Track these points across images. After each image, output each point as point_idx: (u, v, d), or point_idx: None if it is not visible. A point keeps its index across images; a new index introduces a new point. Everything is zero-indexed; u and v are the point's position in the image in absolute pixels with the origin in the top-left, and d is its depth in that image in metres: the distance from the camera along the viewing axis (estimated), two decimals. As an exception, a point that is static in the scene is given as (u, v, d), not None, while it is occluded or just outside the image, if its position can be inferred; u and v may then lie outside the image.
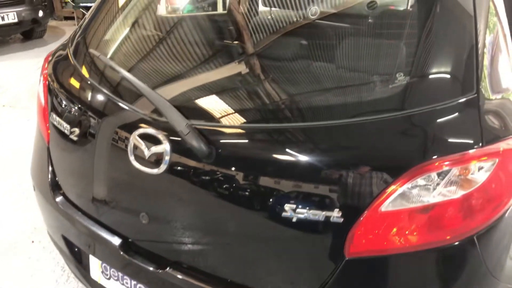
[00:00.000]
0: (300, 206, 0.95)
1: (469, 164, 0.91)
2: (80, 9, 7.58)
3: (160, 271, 1.16)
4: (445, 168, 0.90)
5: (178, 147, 1.06)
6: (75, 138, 1.28)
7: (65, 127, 1.31)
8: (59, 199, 1.40)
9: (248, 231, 1.04)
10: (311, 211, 0.94)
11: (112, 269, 1.33)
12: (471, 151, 0.91)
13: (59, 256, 2.05)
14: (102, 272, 1.38)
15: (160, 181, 1.10)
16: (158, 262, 1.18)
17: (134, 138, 1.11)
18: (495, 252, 1.03)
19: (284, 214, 0.96)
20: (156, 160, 1.08)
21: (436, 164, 0.90)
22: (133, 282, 1.29)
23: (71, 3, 7.56)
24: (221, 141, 1.04)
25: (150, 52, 1.38)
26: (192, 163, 1.05)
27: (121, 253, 1.22)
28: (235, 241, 1.07)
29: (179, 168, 1.07)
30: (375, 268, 0.97)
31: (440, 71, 1.00)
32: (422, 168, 0.90)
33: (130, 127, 1.13)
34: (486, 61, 1.04)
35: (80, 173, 1.32)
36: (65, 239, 1.45)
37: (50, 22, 7.14)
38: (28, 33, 6.48)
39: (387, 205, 0.91)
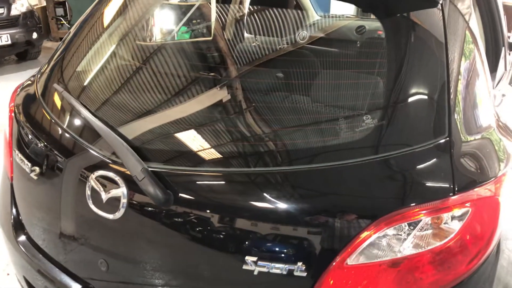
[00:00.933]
0: (262, 258, 0.88)
1: (440, 214, 0.85)
2: (76, 31, 7.61)
3: None
4: (416, 218, 0.84)
5: (136, 191, 1.00)
6: (35, 177, 1.22)
7: (26, 164, 1.25)
8: (21, 238, 1.33)
9: (207, 281, 0.97)
10: (273, 264, 0.88)
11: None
12: (442, 199, 0.85)
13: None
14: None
15: (117, 226, 1.04)
16: None
17: (92, 180, 1.05)
18: None
19: (244, 266, 0.90)
20: (113, 205, 1.02)
21: (406, 213, 0.84)
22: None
23: (67, 24, 7.61)
24: (181, 185, 0.98)
25: (115, 87, 1.33)
26: (150, 208, 0.99)
27: None
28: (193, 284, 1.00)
29: (136, 213, 1.01)
30: None
31: (409, 112, 0.95)
32: (391, 217, 0.84)
33: (89, 169, 1.07)
34: (460, 98, 0.98)
35: (41, 213, 1.25)
36: (26, 281, 1.37)
37: (45, 43, 7.16)
38: (22, 54, 6.48)
39: (354, 258, 0.85)
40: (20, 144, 1.32)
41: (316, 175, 0.90)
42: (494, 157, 1.02)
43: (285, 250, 0.88)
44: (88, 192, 1.05)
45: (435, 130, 0.92)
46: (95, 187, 1.04)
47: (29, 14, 6.15)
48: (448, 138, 0.91)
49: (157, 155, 1.04)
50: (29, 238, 1.34)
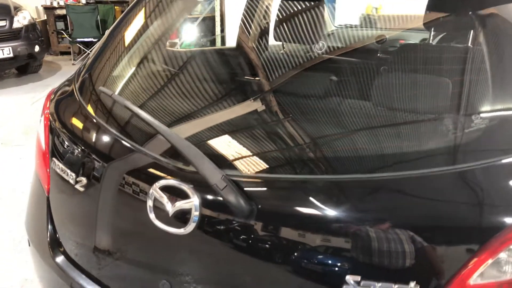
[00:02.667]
0: (365, 278, 0.77)
1: None
2: (77, 44, 7.54)
3: None
4: None
5: (210, 202, 0.88)
6: (81, 189, 1.09)
7: (69, 175, 1.13)
8: (59, 259, 1.20)
9: None
10: (380, 284, 0.76)
11: None
12: None
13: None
14: None
15: (186, 242, 0.92)
16: None
17: (154, 191, 0.93)
18: None
19: (345, 287, 0.78)
20: (182, 218, 0.90)
21: None
22: None
23: (68, 38, 7.52)
24: (264, 195, 0.86)
25: (167, 91, 1.23)
26: (227, 221, 0.87)
27: None
28: None
29: (210, 227, 0.89)
30: None
31: None
32: None
33: (150, 178, 0.95)
34: None
35: (86, 229, 1.12)
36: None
37: (46, 57, 7.05)
38: (23, 68, 6.36)
39: (476, 277, 0.74)
40: (60, 153, 1.20)
41: (432, 181, 0.79)
42: None
43: (394, 268, 0.76)
44: (150, 204, 0.93)
45: None
46: (159, 198, 0.92)
47: (31, 27, 6.06)
48: None
49: (229, 163, 0.93)
50: (68, 257, 1.20)
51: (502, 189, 0.79)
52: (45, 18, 7.95)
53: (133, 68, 1.36)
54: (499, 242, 0.74)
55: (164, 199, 0.91)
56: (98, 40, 7.61)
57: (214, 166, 0.85)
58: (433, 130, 0.95)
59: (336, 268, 0.79)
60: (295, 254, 0.82)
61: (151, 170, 0.96)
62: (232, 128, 1.10)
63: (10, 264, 2.28)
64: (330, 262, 0.80)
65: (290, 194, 0.87)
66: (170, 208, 0.91)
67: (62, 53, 8.20)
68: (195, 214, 0.88)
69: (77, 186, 1.10)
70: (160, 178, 0.93)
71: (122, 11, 9.54)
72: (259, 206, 0.84)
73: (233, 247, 0.88)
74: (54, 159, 1.20)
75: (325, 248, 0.81)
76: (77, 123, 1.19)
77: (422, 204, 0.80)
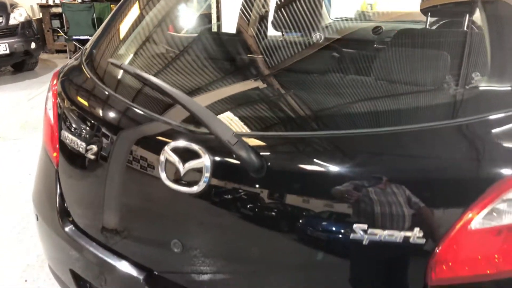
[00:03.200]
0: (372, 226, 0.80)
1: None
2: (73, 42, 7.54)
3: None
4: None
5: (220, 162, 0.91)
6: (92, 157, 1.12)
7: (80, 145, 1.15)
8: (68, 228, 1.23)
9: (307, 256, 0.88)
10: (386, 232, 0.80)
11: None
12: None
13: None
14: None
15: (197, 201, 0.95)
16: None
17: (166, 153, 0.96)
18: None
19: (353, 235, 0.81)
20: (193, 178, 0.93)
21: None
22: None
23: (64, 36, 7.51)
24: (271, 152, 0.90)
25: (173, 62, 1.26)
26: (237, 178, 0.91)
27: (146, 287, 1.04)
28: (290, 267, 0.91)
29: (221, 184, 0.92)
30: None
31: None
32: None
33: (161, 141, 0.98)
34: None
35: (97, 196, 1.15)
36: (73, 274, 1.25)
37: (41, 55, 7.04)
38: (19, 65, 6.35)
39: (478, 221, 0.78)
40: (70, 126, 1.22)
41: (437, 132, 0.83)
42: None
43: (399, 217, 0.80)
44: (161, 166, 0.96)
45: None
46: (170, 160, 0.95)
47: (27, 24, 6.06)
48: None
49: (236, 123, 0.97)
50: (77, 226, 1.23)
51: (499, 142, 0.83)
52: (41, 16, 7.94)
53: (138, 44, 1.40)
54: (497, 192, 0.77)
55: (176, 160, 0.94)
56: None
57: (225, 124, 0.89)
58: (433, 89, 0.99)
59: (344, 219, 0.83)
60: (304, 207, 0.86)
61: (162, 133, 0.99)
62: (238, 94, 1.13)
63: (12, 253, 2.30)
64: (337, 213, 0.83)
65: (296, 150, 0.91)
66: (182, 168, 0.94)
67: (58, 51, 8.19)
68: (206, 173, 0.91)
69: (88, 155, 1.13)
70: (171, 140, 0.96)
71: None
72: (269, 163, 0.88)
73: (243, 204, 0.90)
74: (64, 131, 1.23)
75: (332, 200, 0.84)
76: (86, 95, 1.22)
77: (424, 156, 0.84)
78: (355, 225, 0.81)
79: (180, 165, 0.94)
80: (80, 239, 1.19)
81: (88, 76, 1.26)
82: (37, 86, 5.70)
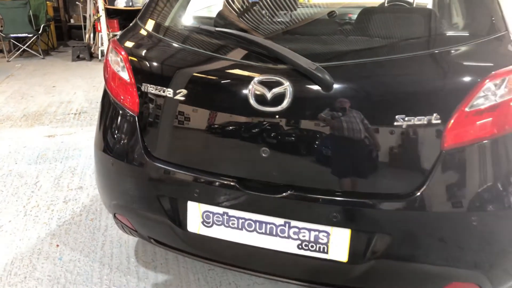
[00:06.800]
0: (408, 115, 1.25)
1: None
2: (12, 40, 7.23)
3: (278, 196, 1.35)
4: (504, 76, 1.27)
5: (299, 86, 1.30)
6: (182, 98, 1.44)
7: (167, 91, 1.46)
8: (157, 161, 1.53)
9: (365, 144, 1.29)
10: (417, 117, 1.25)
11: (216, 215, 1.48)
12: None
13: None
14: (203, 221, 1.51)
15: (281, 117, 1.33)
16: (273, 191, 1.36)
17: (254, 84, 1.32)
18: None
19: (395, 122, 1.26)
20: (278, 100, 1.31)
21: (498, 74, 1.26)
22: (241, 221, 1.46)
23: (1, 34, 7.18)
24: (335, 75, 1.30)
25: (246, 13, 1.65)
26: (312, 95, 1.30)
27: (238, 189, 1.38)
28: (352, 155, 1.31)
29: (300, 102, 1.31)
30: (465, 155, 1.26)
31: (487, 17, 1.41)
32: (491, 76, 1.25)
33: (249, 78, 1.34)
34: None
35: (190, 130, 1.47)
36: (159, 200, 1.55)
37: (-25, 54, 6.70)
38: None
39: (470, 106, 1.25)
40: (152, 77, 1.53)
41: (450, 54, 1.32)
42: None
43: (423, 107, 1.25)
44: (251, 95, 1.32)
45: (500, 27, 1.38)
46: (258, 89, 1.32)
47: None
48: (507, 32, 1.37)
49: (310, 56, 1.33)
50: (162, 160, 1.53)
51: (485, 54, 1.32)
52: (-31, 14, 7.48)
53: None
54: (477, 89, 1.25)
55: (264, 88, 1.31)
56: (33, 36, 7.38)
57: (304, 58, 1.29)
58: (414, 27, 1.50)
59: (391, 112, 1.25)
60: (364, 110, 1.27)
61: (248, 72, 1.36)
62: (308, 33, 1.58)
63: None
64: (387, 110, 1.26)
65: (358, 73, 1.32)
66: (269, 94, 1.31)
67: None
68: (289, 95, 1.29)
69: (178, 97, 1.45)
70: (257, 75, 1.33)
71: (54, 7, 9.24)
72: (336, 82, 1.29)
73: (315, 115, 1.29)
74: (145, 83, 1.52)
75: (382, 103, 1.28)
76: (164, 52, 1.55)
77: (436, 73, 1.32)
78: (396, 116, 1.26)
79: (267, 92, 1.31)
80: (170, 167, 1.50)
81: (164, 38, 1.61)
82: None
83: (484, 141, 1.27)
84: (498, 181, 1.29)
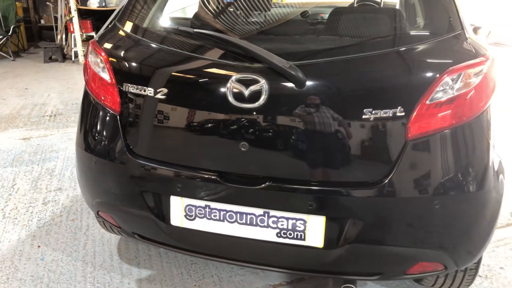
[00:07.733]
0: (375, 108, 1.35)
1: (470, 69, 1.41)
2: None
3: (257, 187, 1.43)
4: (460, 71, 1.38)
5: (275, 83, 1.38)
6: (163, 97, 1.50)
7: (148, 90, 1.51)
8: (139, 158, 1.58)
9: (336, 136, 1.38)
10: (382, 110, 1.35)
11: (198, 208, 1.55)
12: (470, 62, 1.41)
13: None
14: (186, 215, 1.58)
15: (258, 113, 1.40)
16: (253, 183, 1.44)
17: (232, 82, 1.40)
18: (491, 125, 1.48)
19: (363, 116, 1.35)
20: (255, 96, 1.38)
21: (456, 69, 1.38)
22: (222, 213, 1.53)
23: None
24: (308, 72, 1.39)
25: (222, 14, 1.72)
26: (286, 92, 1.39)
27: (219, 182, 1.45)
28: (325, 147, 1.40)
29: (275, 98, 1.39)
30: (428, 145, 1.37)
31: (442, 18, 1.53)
32: (449, 72, 1.36)
33: (227, 76, 1.41)
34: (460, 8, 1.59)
35: (169, 127, 1.52)
36: (142, 196, 1.60)
37: None
38: None
39: (431, 99, 1.36)
40: (132, 77, 1.57)
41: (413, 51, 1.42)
42: (481, 41, 1.62)
43: (388, 100, 1.35)
44: (230, 93, 1.39)
45: (456, 26, 1.50)
46: (237, 88, 1.39)
47: None
48: (462, 30, 1.50)
49: (283, 55, 1.41)
50: (142, 156, 1.58)
51: (443, 51, 1.44)
52: None
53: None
54: (439, 80, 1.37)
55: (241, 86, 1.38)
56: (3, 37, 7.20)
57: (278, 57, 1.37)
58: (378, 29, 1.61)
59: (359, 107, 1.34)
60: (336, 103, 1.36)
61: (225, 71, 1.43)
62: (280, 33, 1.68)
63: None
64: (355, 104, 1.35)
65: (327, 71, 1.41)
66: (246, 92, 1.39)
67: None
68: (265, 92, 1.37)
69: (158, 96, 1.50)
70: (234, 74, 1.40)
71: (23, 7, 9.03)
72: (308, 79, 1.37)
73: (290, 110, 1.37)
74: (126, 83, 1.57)
75: (351, 98, 1.37)
76: (143, 53, 1.60)
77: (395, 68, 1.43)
78: (364, 109, 1.35)
79: (244, 90, 1.39)
80: (151, 163, 1.56)
81: (142, 39, 1.65)
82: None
83: (444, 131, 1.38)
84: (459, 167, 1.41)
